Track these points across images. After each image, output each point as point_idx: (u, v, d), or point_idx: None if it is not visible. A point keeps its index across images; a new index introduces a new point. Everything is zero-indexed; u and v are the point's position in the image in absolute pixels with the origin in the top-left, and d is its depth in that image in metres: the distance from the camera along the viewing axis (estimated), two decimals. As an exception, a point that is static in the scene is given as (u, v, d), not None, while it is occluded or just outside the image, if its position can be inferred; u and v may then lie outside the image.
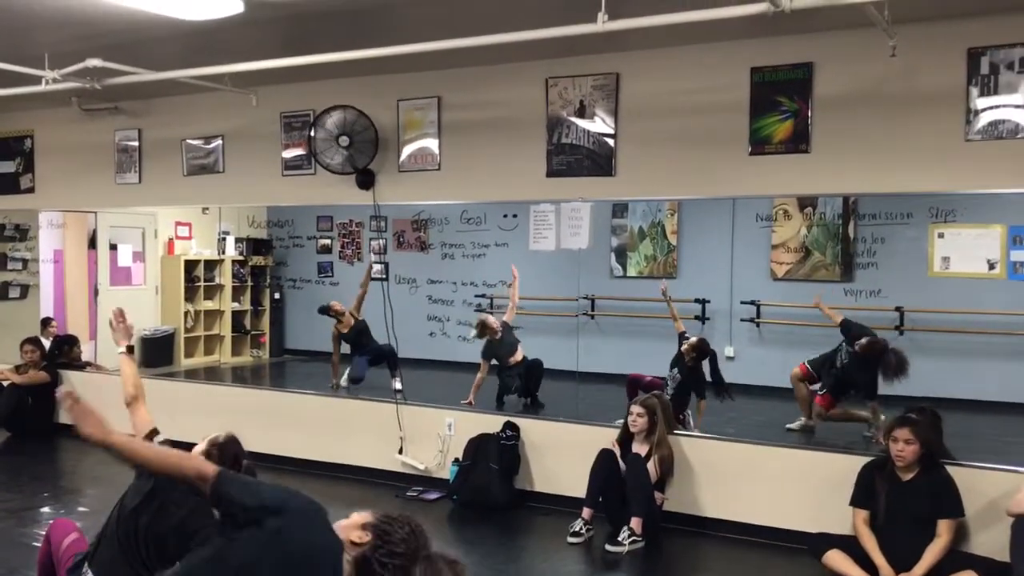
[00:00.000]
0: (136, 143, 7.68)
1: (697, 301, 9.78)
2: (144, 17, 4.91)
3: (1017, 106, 4.62)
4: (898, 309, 9.06)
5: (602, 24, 4.17)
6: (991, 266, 8.93)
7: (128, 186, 7.75)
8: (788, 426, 7.70)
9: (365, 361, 9.10)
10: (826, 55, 5.07)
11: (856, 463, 4.86)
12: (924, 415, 4.92)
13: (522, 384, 8.27)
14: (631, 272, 10.37)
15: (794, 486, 5.30)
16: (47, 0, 4.67)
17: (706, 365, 7.07)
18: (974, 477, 4.75)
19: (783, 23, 4.32)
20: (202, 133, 7.30)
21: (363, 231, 12.08)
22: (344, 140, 6.23)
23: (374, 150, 6.31)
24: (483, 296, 11.12)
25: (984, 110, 4.70)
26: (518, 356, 8.45)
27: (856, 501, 4.73)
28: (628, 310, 9.63)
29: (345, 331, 9.45)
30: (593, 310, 10.29)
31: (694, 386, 7.03)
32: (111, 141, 7.78)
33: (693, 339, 7.10)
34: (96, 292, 10.48)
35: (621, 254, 10.48)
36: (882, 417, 6.96)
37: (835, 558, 4.62)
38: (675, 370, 7.08)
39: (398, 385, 8.23)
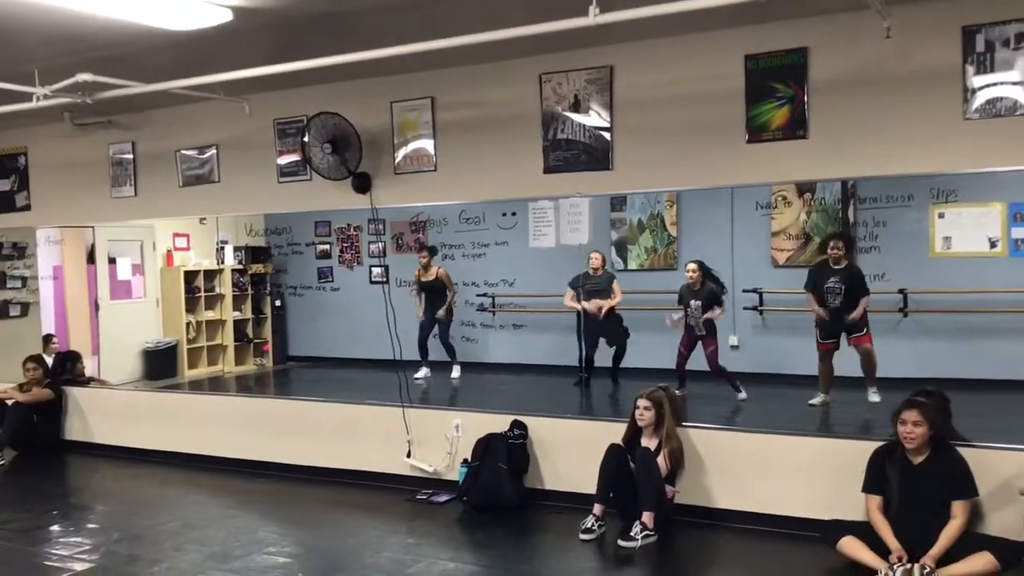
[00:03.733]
0: (130, 156, 7.65)
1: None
2: (133, 29, 4.88)
3: (1014, 83, 4.59)
4: (901, 291, 9.04)
5: (593, 17, 4.15)
6: (992, 244, 8.91)
7: (124, 199, 7.73)
8: (810, 402, 7.77)
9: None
10: (820, 39, 5.03)
11: (867, 448, 4.84)
12: (932, 397, 4.88)
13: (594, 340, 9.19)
14: (632, 265, 10.35)
15: (805, 474, 5.27)
16: (35, 16, 4.64)
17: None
18: (985, 457, 4.72)
19: (776, 9, 4.30)
20: (196, 143, 7.27)
21: (362, 235, 12.06)
22: (327, 147, 6.21)
23: (359, 154, 6.28)
24: (485, 295, 11.10)
25: (981, 88, 4.66)
26: (594, 305, 9.08)
27: (868, 487, 4.70)
28: (630, 303, 9.59)
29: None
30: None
31: (714, 300, 8.39)
32: (105, 155, 7.75)
33: (692, 265, 8.40)
34: (97, 307, 10.47)
35: (621, 247, 10.45)
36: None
37: (849, 544, 4.59)
38: (692, 303, 8.39)
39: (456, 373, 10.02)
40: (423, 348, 10.17)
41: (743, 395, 8.32)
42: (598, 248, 9.27)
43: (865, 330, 7.85)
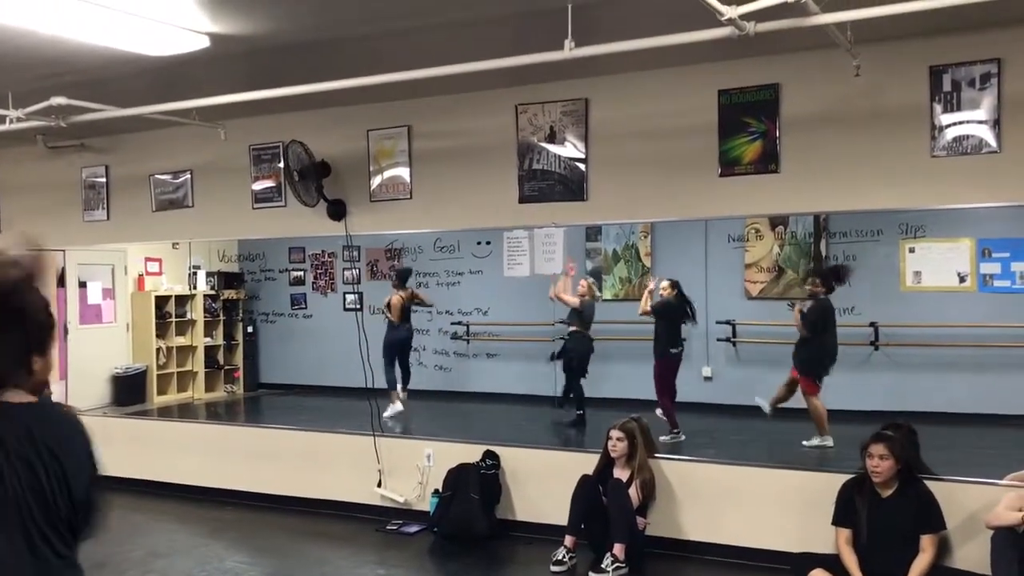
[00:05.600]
0: (103, 179, 7.60)
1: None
2: (109, 54, 4.87)
3: (980, 122, 4.68)
4: (872, 325, 9.12)
5: (569, 51, 4.19)
6: (961, 279, 9.02)
7: (96, 223, 7.66)
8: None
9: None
10: (792, 76, 5.12)
11: (837, 481, 4.86)
12: (900, 430, 4.92)
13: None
14: (607, 295, 10.37)
15: (776, 506, 5.29)
16: (9, 39, 4.62)
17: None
18: (953, 491, 4.76)
19: (748, 45, 4.36)
20: (170, 168, 7.24)
21: (336, 262, 12.02)
22: (295, 175, 6.23)
23: (317, 183, 6.28)
24: (459, 323, 11.08)
25: (948, 126, 4.76)
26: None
27: (838, 520, 4.72)
28: (605, 333, 9.61)
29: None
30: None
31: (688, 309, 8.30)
32: (78, 178, 7.69)
33: (665, 282, 8.30)
34: (66, 331, 10.32)
35: (596, 277, 10.48)
36: None
37: (819, 578, 4.60)
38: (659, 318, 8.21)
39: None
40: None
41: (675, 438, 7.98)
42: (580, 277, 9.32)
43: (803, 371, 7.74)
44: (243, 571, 5.37)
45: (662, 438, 7.68)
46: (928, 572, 4.44)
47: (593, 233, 10.36)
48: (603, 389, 9.30)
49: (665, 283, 8.36)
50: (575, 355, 8.89)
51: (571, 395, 9.03)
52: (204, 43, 4.68)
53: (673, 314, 8.20)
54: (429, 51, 4.81)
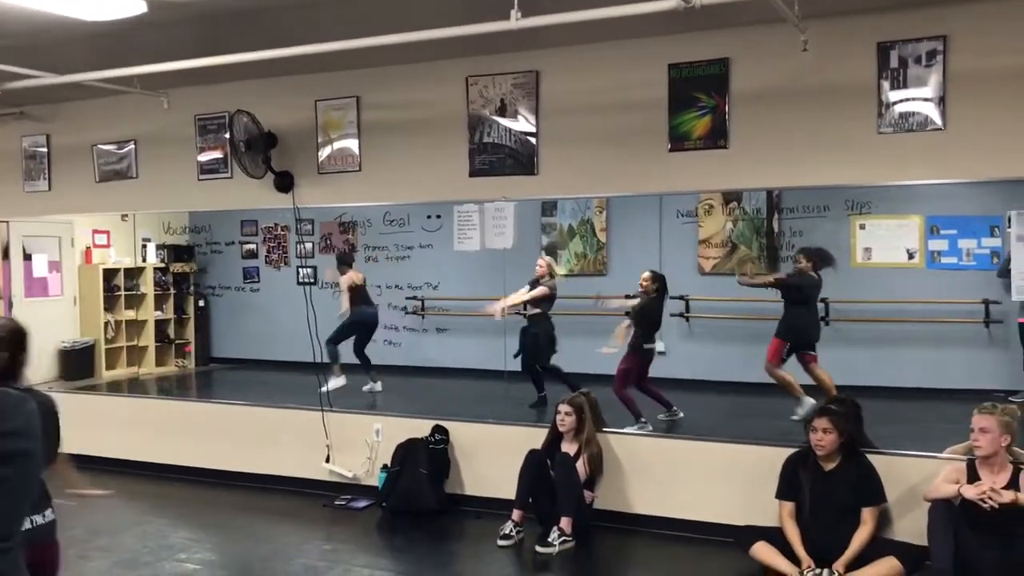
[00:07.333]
0: (45, 149, 7.40)
1: (628, 297, 9.81)
2: (42, 18, 4.70)
3: (926, 99, 4.71)
4: (823, 300, 9.20)
5: (515, 21, 4.14)
6: (910, 256, 9.14)
7: (38, 194, 7.46)
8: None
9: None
10: (741, 51, 5.10)
11: (781, 455, 4.91)
12: (844, 405, 4.98)
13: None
14: (562, 270, 10.36)
15: (722, 480, 5.33)
16: (-64, 0, 4.44)
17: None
18: (894, 464, 4.83)
19: (698, 19, 4.33)
20: (114, 138, 7.06)
21: (290, 235, 11.84)
22: (242, 145, 6.10)
23: (264, 153, 6.18)
24: (413, 298, 11.01)
25: (895, 103, 4.78)
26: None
27: (781, 494, 4.77)
28: (559, 308, 9.60)
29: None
30: (525, 309, 10.23)
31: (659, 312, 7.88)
32: (18, 147, 7.48)
33: (646, 273, 7.79)
34: (11, 304, 10.09)
35: (552, 252, 10.46)
36: None
37: (762, 550, 4.66)
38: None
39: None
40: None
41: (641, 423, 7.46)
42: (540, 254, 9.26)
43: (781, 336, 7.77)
44: (187, 547, 5.30)
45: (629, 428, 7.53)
46: (868, 544, 4.51)
47: (549, 208, 10.32)
48: (563, 365, 9.29)
49: (646, 274, 7.88)
50: (537, 341, 8.66)
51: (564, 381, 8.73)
52: (142, 7, 4.53)
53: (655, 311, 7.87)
54: (376, 19, 4.71)
